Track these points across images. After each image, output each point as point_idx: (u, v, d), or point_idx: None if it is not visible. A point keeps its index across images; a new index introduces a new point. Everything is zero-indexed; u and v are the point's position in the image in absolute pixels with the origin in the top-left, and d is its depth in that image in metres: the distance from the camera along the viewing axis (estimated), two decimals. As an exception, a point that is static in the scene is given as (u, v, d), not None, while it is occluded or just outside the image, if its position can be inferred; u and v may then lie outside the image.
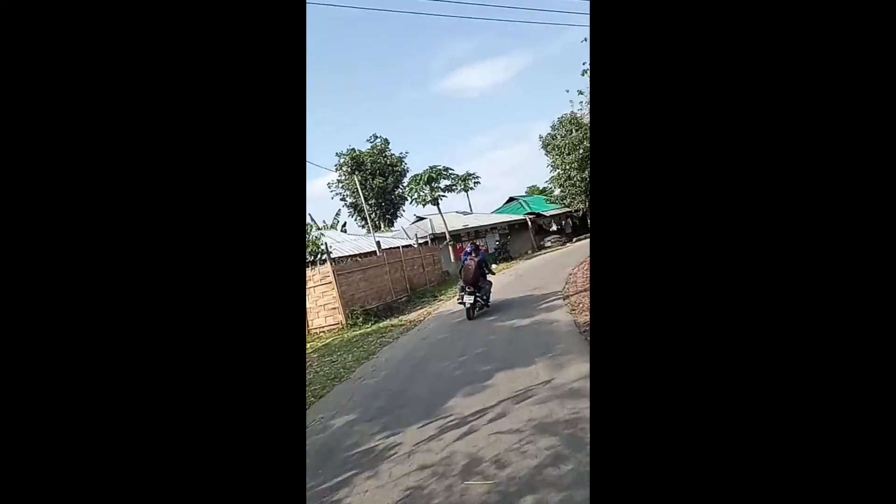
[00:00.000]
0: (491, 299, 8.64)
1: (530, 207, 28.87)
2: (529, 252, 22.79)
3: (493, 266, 9.94)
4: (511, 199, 32.71)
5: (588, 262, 11.87)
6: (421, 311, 10.86)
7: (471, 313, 7.98)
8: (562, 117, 26.20)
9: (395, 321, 9.93)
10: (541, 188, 34.76)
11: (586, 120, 25.58)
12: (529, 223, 26.05)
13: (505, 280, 12.54)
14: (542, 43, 74.42)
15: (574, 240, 26.00)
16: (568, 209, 27.61)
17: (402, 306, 11.98)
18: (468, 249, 8.68)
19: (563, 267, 12.69)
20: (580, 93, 14.45)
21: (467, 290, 7.98)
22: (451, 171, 22.13)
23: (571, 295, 8.07)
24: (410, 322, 9.46)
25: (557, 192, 28.00)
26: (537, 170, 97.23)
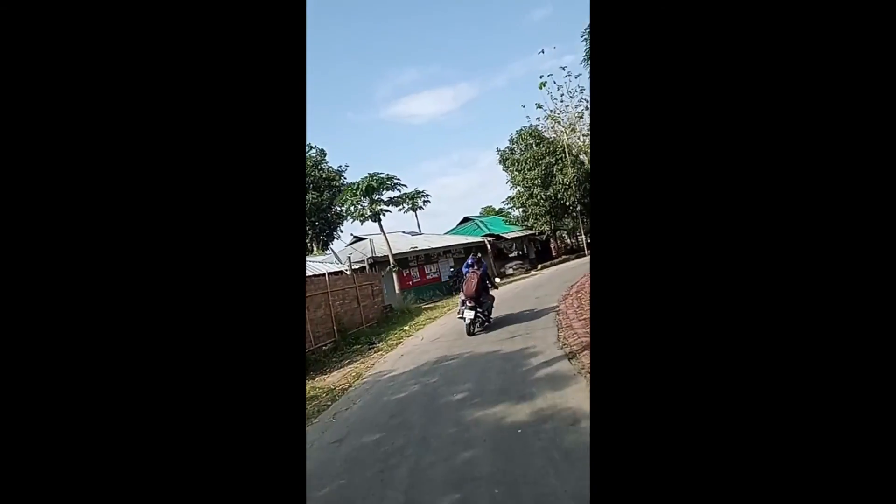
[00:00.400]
0: (460, 353, 6.53)
1: (488, 229, 25.96)
2: (488, 279, 19.70)
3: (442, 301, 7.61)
4: (466, 220, 29.78)
5: (577, 295, 9.22)
6: (349, 368, 7.46)
7: (471, 329, 7.44)
8: (521, 130, 24.21)
9: (307, 388, 6.50)
10: (497, 209, 32.48)
11: (547, 134, 23.73)
12: (489, 246, 23.04)
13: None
14: (486, 77, 74.72)
15: (539, 267, 23.22)
16: (531, 231, 25.14)
17: (323, 359, 8.46)
18: (469, 262, 8.29)
19: (541, 301, 9.84)
20: (539, 106, 12.76)
21: (468, 304, 7.49)
22: (396, 181, 17.64)
23: (578, 352, 5.14)
24: (328, 393, 6.06)
25: (518, 212, 25.67)
26: (485, 197, 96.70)
